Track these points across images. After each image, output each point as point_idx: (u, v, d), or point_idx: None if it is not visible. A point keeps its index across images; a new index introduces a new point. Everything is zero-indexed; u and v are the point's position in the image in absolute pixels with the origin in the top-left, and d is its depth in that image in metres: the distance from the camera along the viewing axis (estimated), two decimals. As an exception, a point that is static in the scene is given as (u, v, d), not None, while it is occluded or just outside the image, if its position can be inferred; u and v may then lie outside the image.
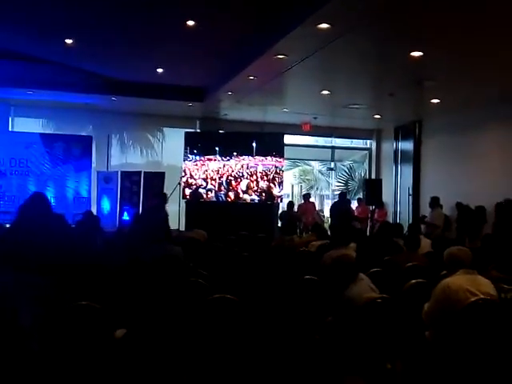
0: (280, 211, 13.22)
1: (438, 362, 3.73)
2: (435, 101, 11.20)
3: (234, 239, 8.36)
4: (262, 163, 12.58)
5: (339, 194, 13.38)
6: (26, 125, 13.54)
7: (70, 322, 3.31)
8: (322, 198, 18.48)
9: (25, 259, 3.47)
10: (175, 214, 12.81)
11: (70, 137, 13.17)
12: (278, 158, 12.52)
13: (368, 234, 12.66)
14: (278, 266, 5.01)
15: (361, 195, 15.18)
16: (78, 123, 13.77)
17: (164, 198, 11.21)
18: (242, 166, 12.63)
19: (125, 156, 14.66)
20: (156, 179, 12.98)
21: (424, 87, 9.89)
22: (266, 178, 12.55)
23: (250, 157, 12.55)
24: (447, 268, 4.05)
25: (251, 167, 12.58)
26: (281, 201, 13.61)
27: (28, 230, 4.40)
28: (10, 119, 13.52)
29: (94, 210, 12.27)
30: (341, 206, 12.40)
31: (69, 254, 4.13)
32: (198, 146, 12.84)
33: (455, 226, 10.63)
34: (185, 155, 12.77)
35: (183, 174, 12.85)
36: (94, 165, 13.53)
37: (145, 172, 13.17)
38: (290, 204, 13.28)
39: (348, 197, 14.34)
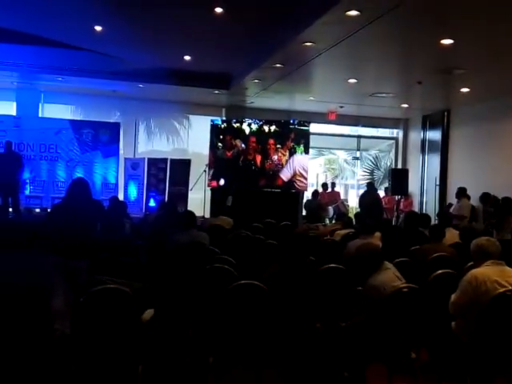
0: (305, 200, 13.23)
1: (464, 353, 3.71)
2: (464, 90, 11.01)
3: (259, 227, 8.39)
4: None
5: (367, 184, 13.28)
6: (55, 111, 13.73)
7: (100, 306, 3.37)
8: (346, 187, 18.37)
9: (62, 242, 3.57)
10: (200, 201, 12.92)
11: (98, 123, 13.31)
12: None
13: (393, 223, 12.58)
14: (303, 254, 5.02)
15: (386, 185, 15.06)
16: (106, 110, 13.93)
17: None
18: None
19: (151, 143, 14.77)
20: (182, 166, 13.08)
21: (453, 76, 9.73)
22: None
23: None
24: (474, 259, 4.01)
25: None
26: (306, 190, 13.62)
27: (70, 215, 4.50)
28: (40, 105, 13.72)
29: (121, 196, 12.41)
30: (369, 196, 12.31)
31: (102, 239, 4.20)
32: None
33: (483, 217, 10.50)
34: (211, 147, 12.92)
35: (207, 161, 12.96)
36: (121, 151, 13.67)
37: (171, 159, 13.26)
38: (315, 193, 13.26)
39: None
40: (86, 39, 9.95)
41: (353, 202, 16.52)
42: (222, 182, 12.99)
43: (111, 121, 13.73)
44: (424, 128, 14.80)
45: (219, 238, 6.64)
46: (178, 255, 5.00)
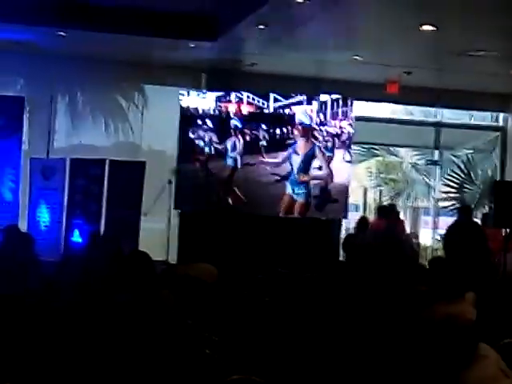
0: (344, 234, 13.23)
1: None
2: None
3: (265, 280, 8.40)
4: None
5: (460, 209, 13.22)
6: None
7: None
8: (416, 212, 18.37)
9: None
10: (162, 233, 12.90)
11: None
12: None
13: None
14: (339, 328, 5.05)
15: (486, 210, 15.05)
16: (2, 75, 13.92)
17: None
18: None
19: (78, 133, 14.75)
20: (131, 174, 13.06)
21: None
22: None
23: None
24: None
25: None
26: (345, 217, 13.63)
27: None
28: None
29: (23, 225, 12.38)
30: (464, 230, 12.23)
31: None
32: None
33: None
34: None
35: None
36: (25, 147, 13.70)
37: (111, 161, 13.26)
38: (363, 222, 13.25)
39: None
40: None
41: (427, 239, 16.48)
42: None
43: (9, 94, 13.74)
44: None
45: (194, 300, 6.65)
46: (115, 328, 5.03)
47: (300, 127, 13.31)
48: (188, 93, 13.49)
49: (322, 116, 13.39)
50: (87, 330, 5.22)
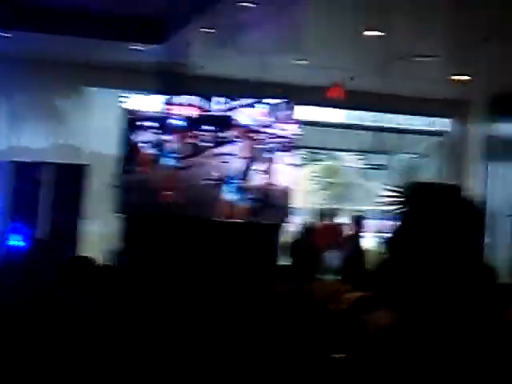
0: (289, 239, 13.23)
1: None
2: None
3: (202, 284, 8.38)
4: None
5: (403, 214, 13.32)
6: None
7: None
8: (358, 217, 18.46)
9: None
10: (103, 237, 12.78)
11: None
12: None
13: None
14: (285, 335, 5.03)
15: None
16: None
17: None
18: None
19: (17, 135, 14.57)
20: (73, 177, 12.94)
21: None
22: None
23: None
24: None
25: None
26: (286, 221, 13.62)
27: None
28: None
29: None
30: (408, 234, 12.33)
31: None
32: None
33: None
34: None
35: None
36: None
37: (52, 164, 13.11)
38: (308, 227, 13.27)
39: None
40: None
41: (368, 243, 16.57)
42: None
43: None
44: (494, 117, 15.05)
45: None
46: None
47: (243, 130, 13.24)
48: (133, 95, 13.36)
49: (266, 119, 13.33)
50: (30, 332, 5.15)
